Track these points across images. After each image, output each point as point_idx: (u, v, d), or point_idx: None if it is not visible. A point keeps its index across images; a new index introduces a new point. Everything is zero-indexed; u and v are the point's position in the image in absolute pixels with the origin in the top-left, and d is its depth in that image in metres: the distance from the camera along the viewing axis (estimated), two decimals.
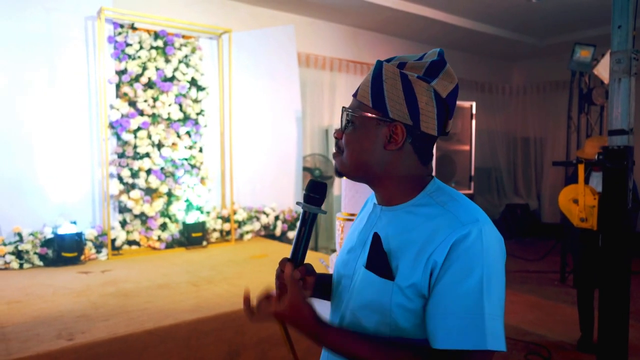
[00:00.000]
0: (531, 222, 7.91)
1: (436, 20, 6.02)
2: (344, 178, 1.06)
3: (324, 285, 1.13)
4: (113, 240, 4.13)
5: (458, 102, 5.18)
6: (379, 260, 0.94)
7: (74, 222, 3.91)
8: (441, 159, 5.03)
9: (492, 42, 7.14)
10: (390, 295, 0.90)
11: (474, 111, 5.15)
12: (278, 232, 5.03)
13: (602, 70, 4.92)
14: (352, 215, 2.01)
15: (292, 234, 5.17)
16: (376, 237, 0.96)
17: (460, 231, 0.86)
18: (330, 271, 2.32)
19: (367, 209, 1.10)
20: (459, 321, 0.83)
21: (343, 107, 1.01)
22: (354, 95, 0.99)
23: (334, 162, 1.04)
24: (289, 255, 1.03)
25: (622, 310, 2.56)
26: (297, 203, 1.03)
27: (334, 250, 2.23)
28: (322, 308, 1.09)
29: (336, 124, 6.22)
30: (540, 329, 3.87)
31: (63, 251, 3.75)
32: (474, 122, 5.16)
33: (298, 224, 1.04)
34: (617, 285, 2.54)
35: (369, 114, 0.94)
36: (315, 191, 1.02)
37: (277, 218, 5.05)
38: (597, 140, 3.43)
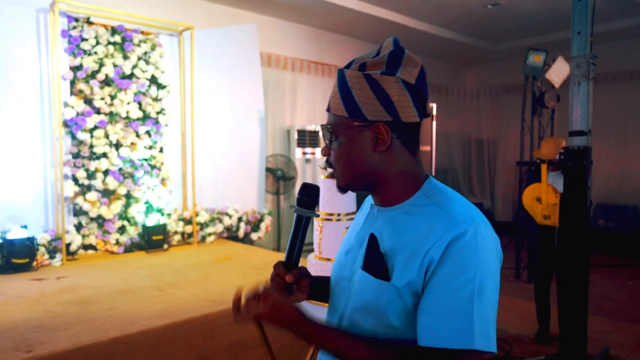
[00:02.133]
0: None
1: (396, 23, 6.12)
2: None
3: (321, 288, 1.11)
4: (68, 245, 3.92)
5: None
6: (375, 261, 0.93)
7: (25, 227, 3.68)
8: None
9: (449, 46, 7.34)
10: (386, 296, 0.90)
11: (434, 112, 5.25)
12: (241, 233, 4.95)
13: (554, 74, 5.15)
14: (331, 215, 1.99)
15: (255, 236, 5.11)
16: (372, 238, 0.96)
17: (456, 230, 0.85)
18: None
19: (364, 210, 1.09)
20: (448, 320, 0.82)
21: (321, 125, 1.00)
22: (328, 110, 0.99)
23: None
24: (283, 259, 1.03)
25: (582, 303, 2.69)
26: (291, 207, 1.02)
27: (312, 251, 2.21)
28: (319, 313, 1.08)
29: (298, 124, 6.20)
30: (499, 324, 3.99)
31: (13, 257, 3.52)
32: (434, 123, 5.26)
33: (292, 228, 1.04)
34: (578, 279, 2.66)
35: (349, 124, 0.94)
36: (309, 194, 1.02)
37: (240, 219, 4.97)
38: (552, 141, 3.58)
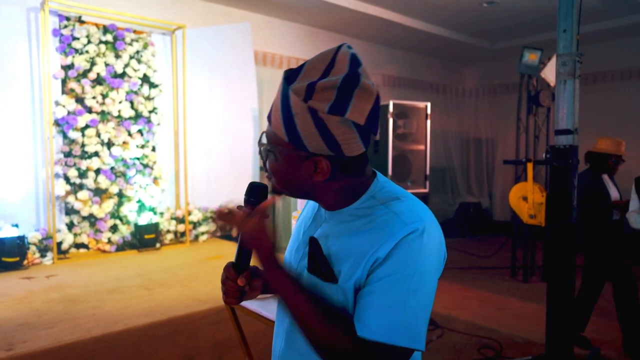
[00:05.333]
0: (483, 220, 8.16)
1: (392, 22, 6.10)
2: None
3: None
4: (59, 244, 3.93)
5: (414, 103, 5.28)
6: (318, 264, 0.93)
7: (16, 225, 3.69)
8: (397, 158, 5.10)
9: (446, 45, 7.31)
10: (335, 298, 0.90)
11: (429, 111, 5.24)
12: (235, 232, 4.92)
13: (549, 73, 5.12)
14: None
15: None
16: (314, 242, 0.95)
17: (403, 231, 0.85)
18: None
19: (313, 206, 1.08)
20: (380, 313, 0.82)
21: (259, 140, 0.95)
22: (268, 120, 0.93)
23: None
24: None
25: (569, 302, 2.67)
26: (238, 207, 0.99)
27: None
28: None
29: None
30: (492, 324, 3.99)
31: (3, 256, 3.53)
32: (428, 122, 5.25)
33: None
34: (564, 278, 2.65)
35: (287, 149, 0.89)
36: (255, 195, 0.99)
37: None
38: (611, 139, 3.64)
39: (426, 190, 5.25)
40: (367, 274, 0.86)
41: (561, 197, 2.57)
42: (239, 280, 0.98)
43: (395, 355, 0.83)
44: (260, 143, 0.95)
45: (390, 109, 5.03)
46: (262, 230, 0.90)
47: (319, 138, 0.86)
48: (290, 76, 0.89)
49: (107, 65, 4.19)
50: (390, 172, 5.00)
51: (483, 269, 5.89)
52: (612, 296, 3.43)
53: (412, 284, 0.83)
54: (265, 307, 1.86)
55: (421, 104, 5.27)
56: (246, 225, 0.91)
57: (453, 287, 5.08)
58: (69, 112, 4.00)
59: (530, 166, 2.88)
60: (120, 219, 4.33)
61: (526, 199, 2.83)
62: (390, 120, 5.03)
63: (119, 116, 4.28)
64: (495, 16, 6.13)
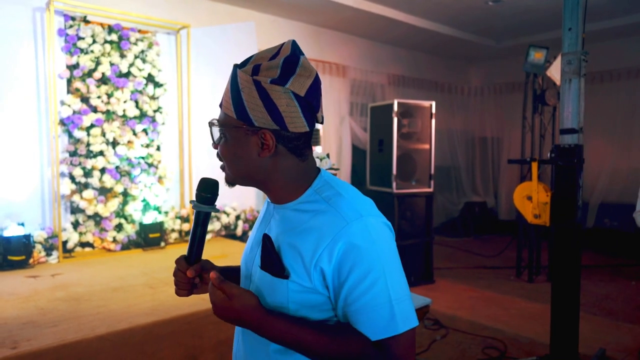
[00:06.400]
0: (489, 219, 8.13)
1: (397, 21, 6.08)
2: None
3: (230, 279, 1.13)
4: (65, 243, 3.96)
5: (418, 102, 5.27)
6: (271, 260, 0.95)
7: (22, 224, 3.71)
8: (401, 157, 5.08)
9: (451, 44, 7.28)
10: (286, 294, 0.92)
11: (433, 110, 5.23)
12: (239, 231, 4.96)
13: (554, 71, 5.09)
14: None
15: None
16: (266, 238, 0.97)
17: (345, 231, 0.88)
18: None
19: (265, 206, 1.11)
20: (372, 315, 0.88)
21: (209, 121, 1.00)
22: (220, 106, 0.99)
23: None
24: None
25: (573, 303, 2.65)
26: (190, 202, 1.04)
27: None
28: None
29: None
30: (496, 324, 3.97)
31: (9, 254, 3.55)
32: (433, 121, 5.24)
33: (192, 223, 1.06)
34: (569, 278, 2.63)
35: (235, 126, 0.94)
36: (207, 190, 1.03)
37: (238, 217, 4.98)
38: None
39: (431, 190, 5.24)
40: (326, 280, 0.90)
41: (566, 196, 2.55)
42: (188, 272, 1.03)
43: (402, 342, 0.89)
44: (210, 123, 0.99)
45: (395, 108, 5.02)
46: (241, 295, 0.90)
47: (263, 109, 0.90)
48: (240, 65, 0.96)
49: (112, 64, 4.20)
50: (394, 171, 4.99)
51: (488, 269, 5.87)
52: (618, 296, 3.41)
53: (385, 279, 0.88)
54: None
55: (426, 103, 5.26)
56: (224, 303, 0.91)
57: (458, 286, 5.07)
58: (74, 112, 4.02)
59: (534, 165, 2.86)
60: (125, 218, 4.35)
61: (531, 199, 2.82)
62: (395, 120, 5.02)
63: (124, 115, 4.29)
64: (500, 14, 6.09)
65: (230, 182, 1.01)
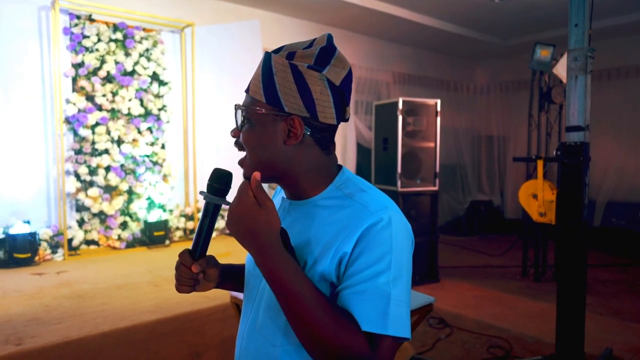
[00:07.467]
0: (495, 218, 8.08)
1: (402, 19, 6.05)
2: None
3: (233, 276, 1.10)
4: (70, 240, 3.98)
5: (423, 100, 5.24)
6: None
7: (27, 222, 3.74)
8: (406, 156, 5.06)
9: (457, 41, 7.24)
10: None
11: (438, 109, 5.19)
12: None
13: (561, 69, 5.04)
14: None
15: None
16: (284, 233, 0.91)
17: (369, 219, 0.85)
18: None
19: (276, 201, 1.07)
20: (366, 305, 0.82)
21: (236, 105, 0.95)
22: (247, 91, 0.95)
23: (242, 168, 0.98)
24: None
25: (579, 302, 2.63)
26: (200, 193, 0.96)
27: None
28: None
29: None
30: (502, 323, 3.94)
31: (15, 252, 3.58)
32: (438, 119, 5.21)
33: (200, 214, 0.99)
34: (575, 277, 2.60)
35: (264, 110, 0.90)
36: (220, 181, 0.95)
37: None
38: None
39: (436, 188, 5.21)
40: (337, 268, 0.86)
41: (572, 194, 2.53)
42: (193, 267, 0.95)
43: (384, 347, 0.83)
44: (237, 106, 0.95)
45: (400, 106, 5.00)
46: (254, 207, 0.85)
47: (296, 94, 0.88)
48: (273, 52, 0.93)
49: (117, 63, 4.22)
50: (399, 169, 4.97)
51: (494, 268, 5.84)
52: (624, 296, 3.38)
53: (391, 274, 0.83)
54: None
55: (431, 101, 5.23)
56: (238, 207, 0.85)
57: (463, 285, 5.04)
58: (79, 110, 4.04)
59: (540, 163, 2.83)
60: (130, 216, 4.36)
61: (536, 197, 2.79)
62: (400, 118, 4.99)
63: (129, 114, 4.30)
64: (506, 11, 6.05)
65: (249, 177, 0.93)
